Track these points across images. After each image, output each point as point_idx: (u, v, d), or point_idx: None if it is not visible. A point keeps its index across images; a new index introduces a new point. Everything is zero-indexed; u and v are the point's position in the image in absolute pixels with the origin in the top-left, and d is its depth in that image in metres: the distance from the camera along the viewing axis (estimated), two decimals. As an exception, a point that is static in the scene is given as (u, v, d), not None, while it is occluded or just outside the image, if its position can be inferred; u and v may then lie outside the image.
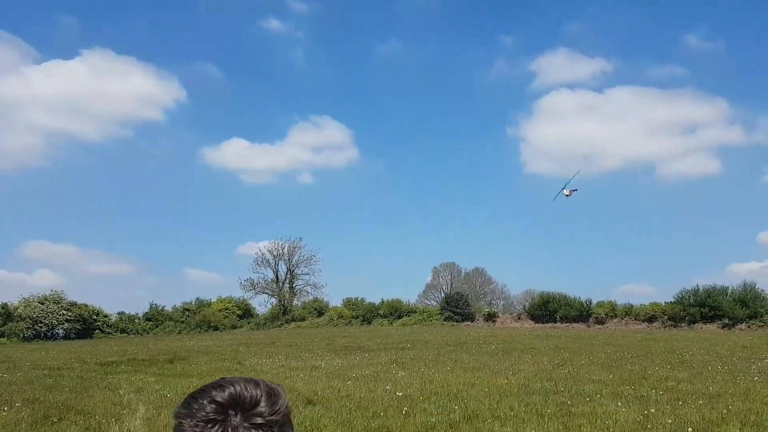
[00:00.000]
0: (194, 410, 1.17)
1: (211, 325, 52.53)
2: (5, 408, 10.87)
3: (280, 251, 61.60)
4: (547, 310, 47.53)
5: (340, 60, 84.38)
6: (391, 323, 51.29)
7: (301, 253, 61.83)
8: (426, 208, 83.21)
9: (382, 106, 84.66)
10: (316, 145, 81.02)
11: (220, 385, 1.21)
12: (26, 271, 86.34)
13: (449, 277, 67.30)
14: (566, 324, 45.98)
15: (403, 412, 9.84)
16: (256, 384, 1.21)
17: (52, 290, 48.32)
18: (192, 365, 18.92)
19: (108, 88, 69.81)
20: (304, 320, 54.93)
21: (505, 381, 13.36)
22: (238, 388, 1.19)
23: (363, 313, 54.16)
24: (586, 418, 9.27)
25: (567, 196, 28.72)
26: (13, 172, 72.32)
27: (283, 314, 57.13)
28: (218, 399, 1.17)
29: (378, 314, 53.58)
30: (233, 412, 1.16)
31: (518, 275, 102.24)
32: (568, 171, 76.88)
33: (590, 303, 47.44)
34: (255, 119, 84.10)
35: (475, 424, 8.84)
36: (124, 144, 74.49)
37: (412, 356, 20.33)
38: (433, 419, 9.26)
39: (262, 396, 1.19)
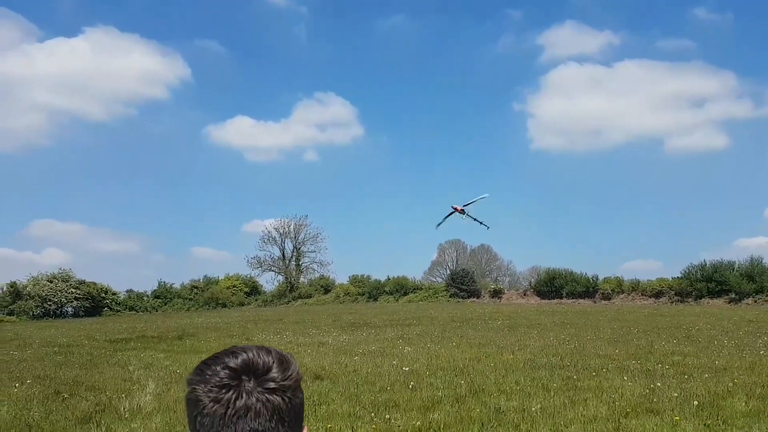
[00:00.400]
0: (208, 376, 1.18)
1: (219, 302, 52.96)
2: (17, 384, 11.01)
3: (287, 229, 61.88)
4: (553, 286, 47.62)
5: (344, 36, 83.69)
6: (397, 300, 51.56)
7: (307, 230, 62.12)
8: (431, 184, 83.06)
9: (387, 82, 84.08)
10: (320, 122, 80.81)
11: (232, 352, 1.22)
12: (34, 249, 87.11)
13: (455, 254, 67.41)
14: (572, 300, 46.09)
15: (410, 386, 9.90)
16: (268, 351, 1.23)
17: (60, 269, 48.75)
18: (201, 342, 19.10)
19: (112, 67, 69.61)
20: (310, 297, 55.30)
21: (511, 356, 13.42)
22: (250, 355, 1.20)
23: (369, 290, 54.43)
24: (592, 391, 9.31)
25: (457, 210, 23.16)
26: (18, 152, 72.49)
27: (289, 291, 57.50)
28: (231, 365, 1.18)
29: (384, 291, 53.84)
30: (246, 378, 1.17)
31: (524, 252, 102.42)
32: (576, 146, 76.54)
33: (597, 279, 47.49)
34: (259, 97, 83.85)
35: (482, 398, 8.89)
36: (128, 123, 74.41)
37: (418, 332, 20.45)
38: (440, 393, 9.32)
39: (273, 362, 1.20)
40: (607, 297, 46.04)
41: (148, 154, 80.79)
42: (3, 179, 74.73)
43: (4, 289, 47.29)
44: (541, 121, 75.67)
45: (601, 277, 47.70)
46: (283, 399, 1.18)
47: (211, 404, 1.15)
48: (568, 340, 16.81)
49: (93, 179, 79.72)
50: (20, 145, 72.53)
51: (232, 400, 1.15)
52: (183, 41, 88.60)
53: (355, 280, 57.46)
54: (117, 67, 69.36)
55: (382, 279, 55.82)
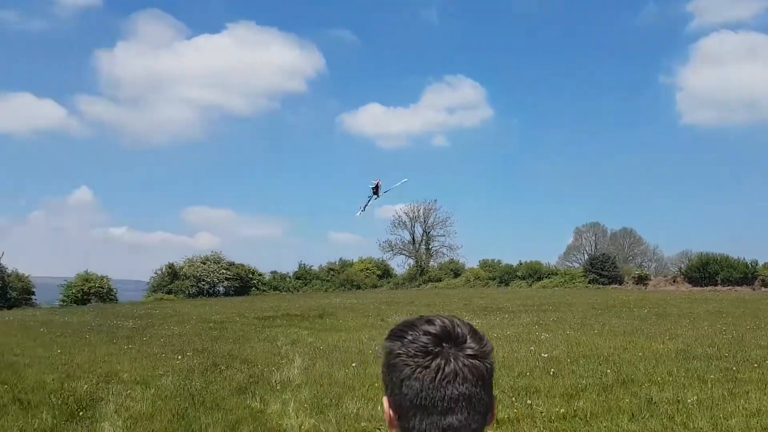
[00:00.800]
0: (409, 342, 1.20)
1: (354, 283, 54.70)
2: (179, 357, 12.06)
3: (416, 213, 62.45)
4: (706, 272, 43.99)
5: (474, 15, 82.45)
6: (530, 285, 50.30)
7: (436, 214, 62.32)
8: (566, 165, 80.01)
9: (518, 61, 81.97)
10: (449, 105, 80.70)
11: (427, 320, 1.24)
12: (188, 234, 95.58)
13: (593, 238, 64.40)
14: (728, 287, 42.35)
15: (551, 373, 9.62)
16: (459, 320, 1.24)
17: (212, 251, 52.65)
18: (339, 321, 19.85)
19: (253, 61, 73.99)
20: (440, 281, 55.49)
21: (662, 346, 12.60)
22: (447, 323, 1.22)
23: (500, 275, 53.57)
24: (754, 384, 8.53)
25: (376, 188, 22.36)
26: (172, 144, 79.49)
27: (420, 275, 58.10)
28: (432, 331, 1.20)
29: (516, 276, 52.75)
30: (447, 345, 1.19)
31: (672, 235, 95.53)
32: (730, 119, 70.11)
33: (756, 264, 43.25)
34: (390, 83, 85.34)
35: (630, 388, 8.43)
36: (271, 115, 78.83)
37: (555, 318, 19.81)
38: (584, 382, 8.97)
39: (467, 331, 1.22)
40: (768, 284, 41.86)
41: (288, 144, 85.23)
42: (160, 170, 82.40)
43: (163, 269, 51.90)
44: (691, 94, 70.52)
45: (761, 263, 43.39)
46: (484, 365, 1.20)
47: (420, 369, 1.17)
48: (724, 330, 15.49)
49: (240, 169, 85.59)
50: (173, 138, 79.50)
51: (441, 366, 1.17)
52: (318, 32, 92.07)
53: (485, 265, 56.81)
54: (258, 62, 73.62)
55: (514, 263, 54.78)
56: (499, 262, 56.38)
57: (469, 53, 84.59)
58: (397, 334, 1.23)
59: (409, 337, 1.20)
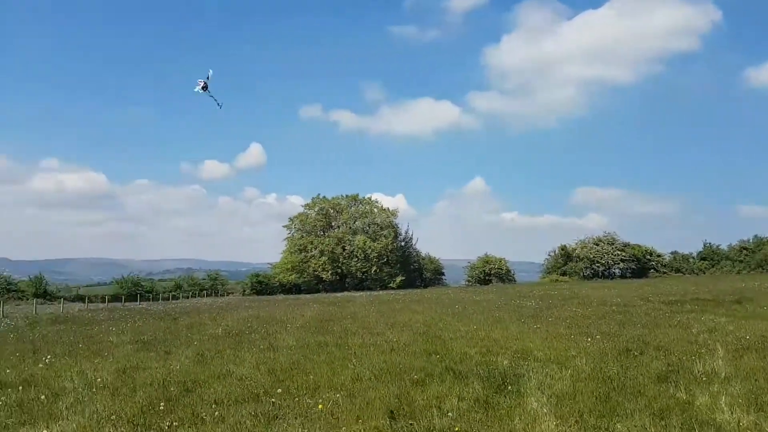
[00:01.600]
0: None
1: (776, 265, 46.94)
2: (588, 339, 12.05)
3: None
4: None
5: None
6: None
7: None
8: None
9: None
10: None
11: None
12: (577, 215, 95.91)
13: None
14: None
15: None
16: None
17: (605, 232, 51.66)
18: (763, 308, 17.24)
19: (637, 28, 70.86)
20: None
21: None
22: None
23: None
24: None
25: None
26: (557, 126, 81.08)
27: None
28: None
29: None
30: None
31: None
32: None
33: None
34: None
35: None
36: (656, 81, 73.57)
37: None
38: None
39: None
40: None
41: (679, 109, 78.04)
42: (547, 153, 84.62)
43: (556, 251, 53.17)
44: None
45: None
46: None
47: None
48: None
49: (626, 142, 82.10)
50: (559, 120, 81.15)
51: None
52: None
53: None
54: (642, 27, 69.81)
55: None
56: None
57: None
58: None
59: None
